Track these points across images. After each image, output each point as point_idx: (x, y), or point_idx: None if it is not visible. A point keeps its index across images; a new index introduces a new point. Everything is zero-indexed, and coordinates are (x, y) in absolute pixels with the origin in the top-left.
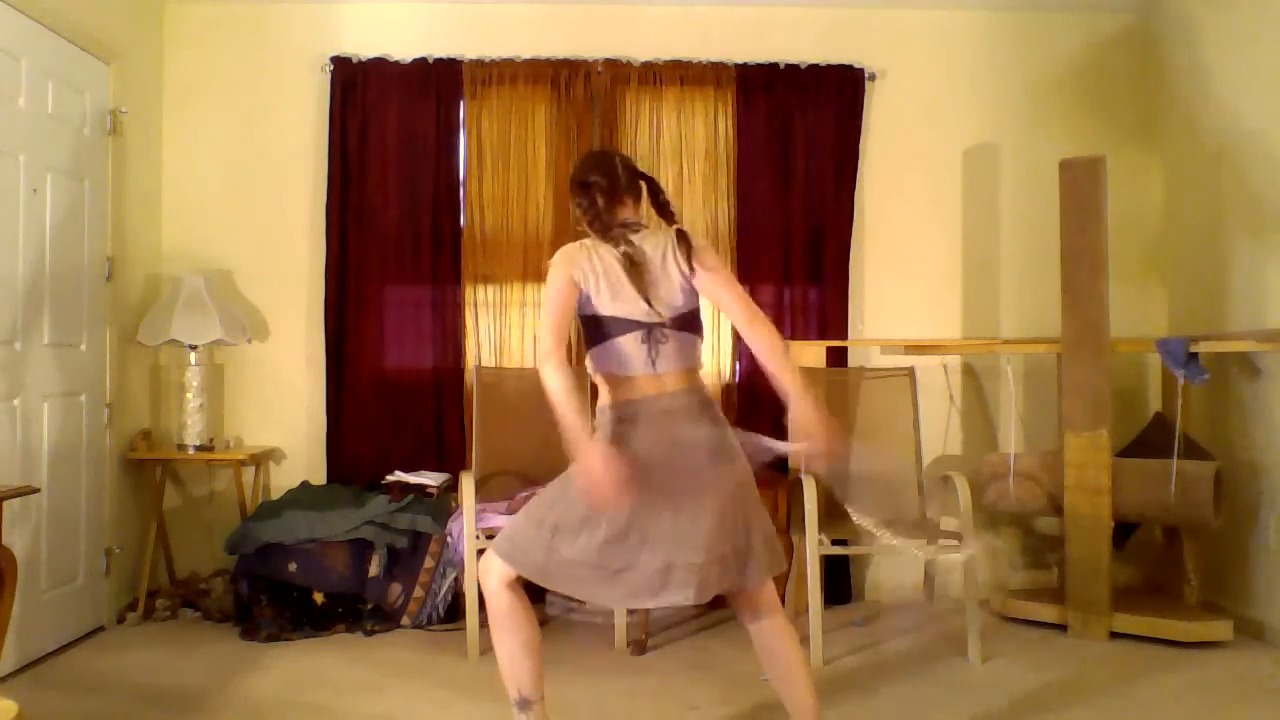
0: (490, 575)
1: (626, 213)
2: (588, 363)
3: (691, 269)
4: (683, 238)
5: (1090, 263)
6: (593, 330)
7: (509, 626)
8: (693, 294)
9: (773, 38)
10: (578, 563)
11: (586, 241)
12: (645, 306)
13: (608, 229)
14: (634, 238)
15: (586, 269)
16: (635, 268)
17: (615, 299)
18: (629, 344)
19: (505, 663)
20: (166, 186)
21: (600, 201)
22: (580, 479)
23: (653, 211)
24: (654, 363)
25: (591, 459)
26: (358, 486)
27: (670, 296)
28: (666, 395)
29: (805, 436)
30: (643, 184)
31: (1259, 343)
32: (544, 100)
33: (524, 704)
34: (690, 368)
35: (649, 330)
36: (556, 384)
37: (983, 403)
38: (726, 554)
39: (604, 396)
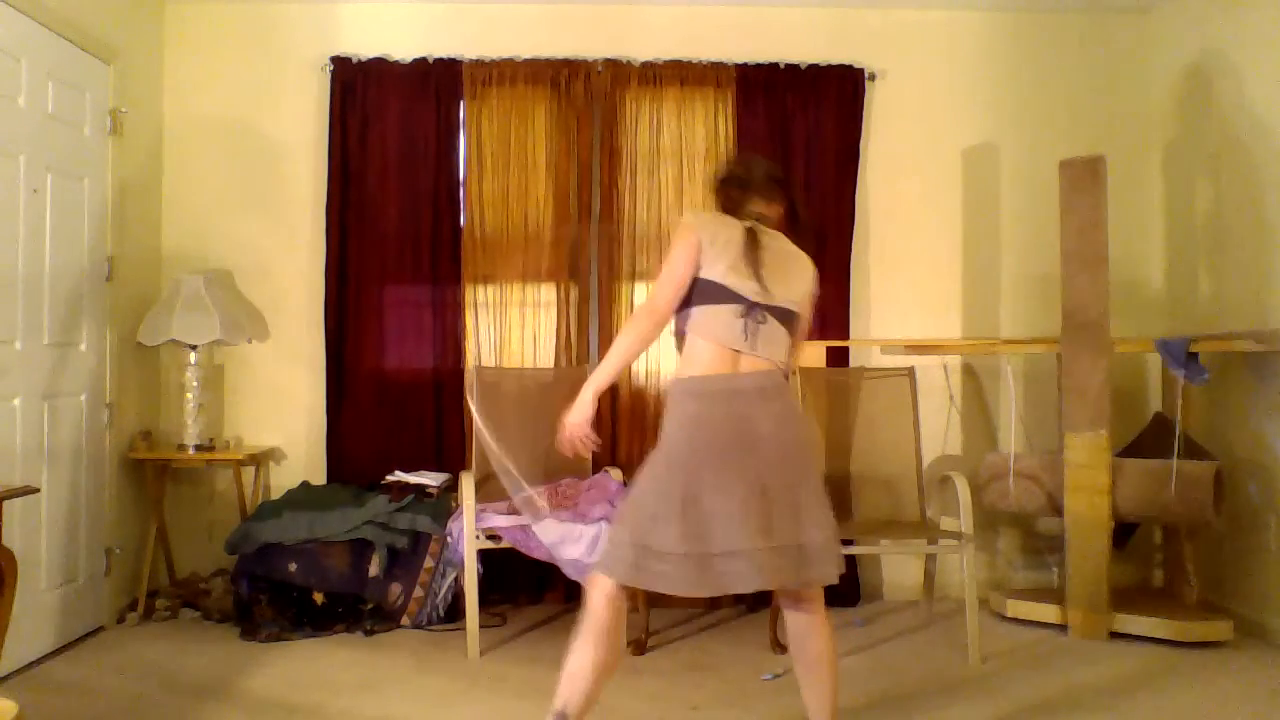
0: (594, 588)
1: (759, 208)
2: (675, 323)
3: (811, 289)
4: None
5: (1090, 263)
6: (697, 292)
7: (593, 642)
8: (801, 305)
9: (773, 38)
10: (664, 555)
11: (720, 213)
12: (755, 285)
13: (739, 212)
14: (765, 227)
15: (715, 231)
16: (754, 244)
17: (730, 269)
18: (727, 314)
19: (570, 674)
20: (166, 186)
21: (733, 194)
22: (568, 417)
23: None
24: (750, 340)
25: (584, 401)
26: (358, 486)
27: (785, 290)
28: (748, 375)
29: None
30: (781, 191)
31: (1259, 343)
32: (544, 100)
33: (561, 718)
34: (779, 360)
35: (750, 307)
36: (639, 335)
37: (983, 403)
38: (799, 545)
39: (682, 368)
